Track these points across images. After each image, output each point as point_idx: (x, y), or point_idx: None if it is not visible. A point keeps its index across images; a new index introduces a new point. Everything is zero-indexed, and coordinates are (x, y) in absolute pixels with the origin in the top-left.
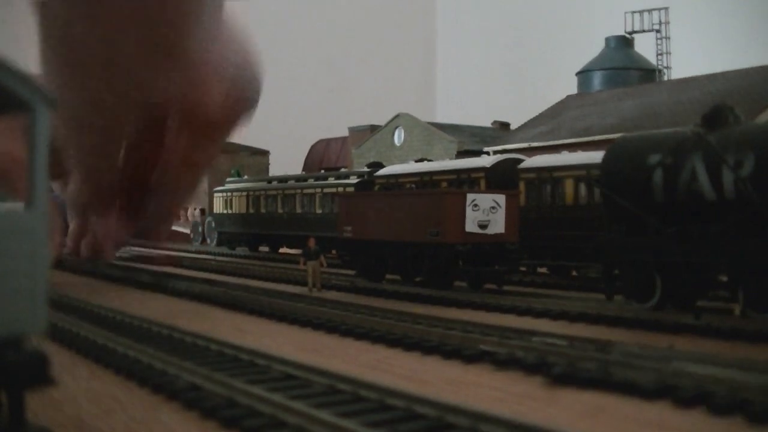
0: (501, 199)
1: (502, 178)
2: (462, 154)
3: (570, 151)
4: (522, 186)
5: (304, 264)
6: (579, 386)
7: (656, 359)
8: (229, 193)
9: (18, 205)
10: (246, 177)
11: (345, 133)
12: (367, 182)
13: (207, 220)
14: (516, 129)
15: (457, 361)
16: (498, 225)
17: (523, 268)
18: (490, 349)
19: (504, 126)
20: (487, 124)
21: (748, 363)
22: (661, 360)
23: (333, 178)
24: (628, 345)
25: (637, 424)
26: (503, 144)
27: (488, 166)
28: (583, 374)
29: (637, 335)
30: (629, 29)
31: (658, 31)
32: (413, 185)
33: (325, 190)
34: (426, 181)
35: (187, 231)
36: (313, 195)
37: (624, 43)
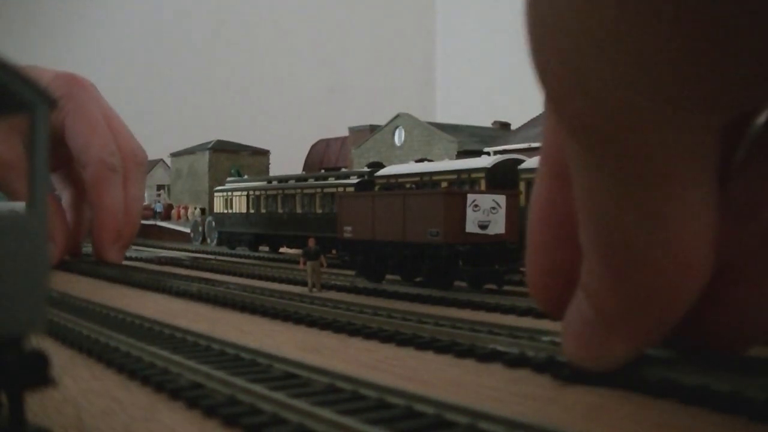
0: (501, 199)
1: (502, 178)
2: (462, 154)
3: None
4: (522, 186)
5: (304, 264)
6: (586, 384)
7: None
8: (229, 193)
9: (18, 205)
10: (246, 177)
11: (345, 133)
12: (367, 182)
13: (207, 220)
14: (516, 129)
15: (456, 360)
16: (498, 225)
17: (524, 269)
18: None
19: (504, 126)
20: (488, 124)
21: (750, 362)
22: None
23: (333, 178)
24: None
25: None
26: (504, 144)
27: (488, 166)
28: (591, 373)
29: None
30: None
31: None
32: (413, 185)
33: (325, 190)
34: (426, 181)
35: (187, 230)
36: (313, 195)
37: None
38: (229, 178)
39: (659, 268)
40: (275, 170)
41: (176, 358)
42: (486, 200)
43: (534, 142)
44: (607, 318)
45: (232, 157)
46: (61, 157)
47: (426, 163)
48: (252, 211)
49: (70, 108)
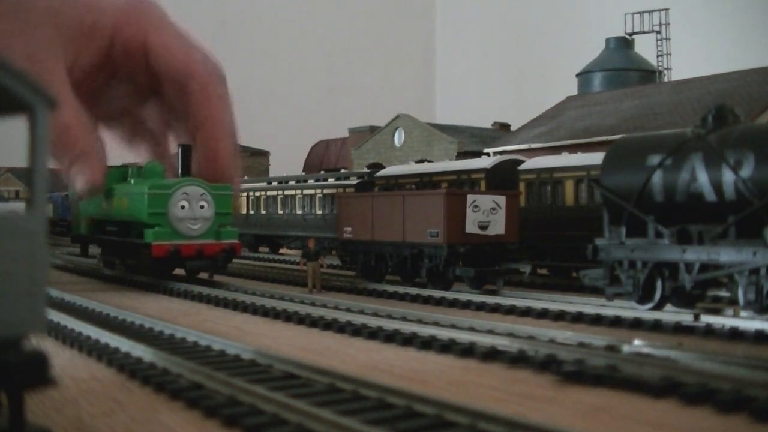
0: (501, 200)
1: (502, 179)
2: (462, 155)
3: (570, 152)
4: (522, 187)
5: (304, 265)
6: (586, 384)
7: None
8: None
9: (18, 206)
10: (246, 178)
11: (345, 134)
12: (367, 183)
13: None
14: (516, 130)
15: (456, 360)
16: (498, 226)
17: (524, 270)
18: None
19: (504, 127)
20: (487, 125)
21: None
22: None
23: (333, 179)
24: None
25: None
26: (503, 145)
27: (488, 167)
28: (592, 372)
29: (638, 336)
30: (629, 30)
31: (658, 32)
32: (413, 186)
33: (325, 191)
34: (426, 182)
35: None
36: (313, 196)
37: (624, 44)
38: None
39: None
40: (275, 171)
41: (176, 358)
42: (486, 201)
43: (534, 142)
44: None
45: None
46: (145, 87)
47: (426, 163)
48: (252, 212)
49: (150, 22)
